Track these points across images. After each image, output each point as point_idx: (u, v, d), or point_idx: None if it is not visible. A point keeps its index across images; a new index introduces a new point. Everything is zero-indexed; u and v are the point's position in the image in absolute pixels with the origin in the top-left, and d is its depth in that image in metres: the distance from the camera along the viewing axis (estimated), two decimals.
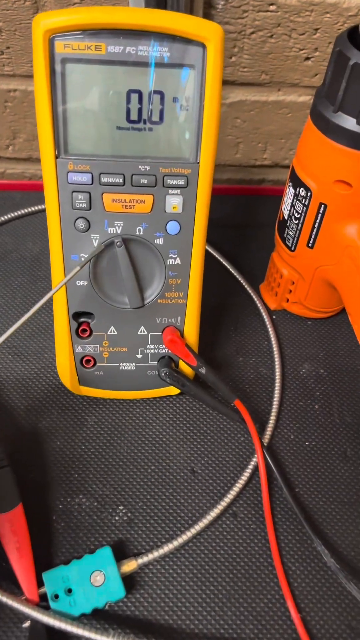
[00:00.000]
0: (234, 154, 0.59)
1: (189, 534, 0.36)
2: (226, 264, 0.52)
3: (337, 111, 0.34)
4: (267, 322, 0.48)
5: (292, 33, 0.49)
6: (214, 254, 0.53)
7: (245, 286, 0.50)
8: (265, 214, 0.56)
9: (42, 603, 0.32)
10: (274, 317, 0.49)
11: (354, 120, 0.34)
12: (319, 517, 0.37)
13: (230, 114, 0.55)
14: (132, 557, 0.34)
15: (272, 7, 0.47)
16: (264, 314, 0.48)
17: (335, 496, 0.38)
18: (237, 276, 0.51)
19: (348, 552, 0.36)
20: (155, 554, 0.34)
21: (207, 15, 0.47)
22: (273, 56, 0.50)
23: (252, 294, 0.50)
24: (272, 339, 0.47)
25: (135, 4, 0.45)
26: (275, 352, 0.46)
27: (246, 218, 0.58)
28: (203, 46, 0.31)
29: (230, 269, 0.52)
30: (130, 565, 0.34)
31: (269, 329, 0.47)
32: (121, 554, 0.35)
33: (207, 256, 0.53)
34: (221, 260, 0.53)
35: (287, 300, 0.47)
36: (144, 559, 0.34)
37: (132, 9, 0.31)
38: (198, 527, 0.36)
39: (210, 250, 0.53)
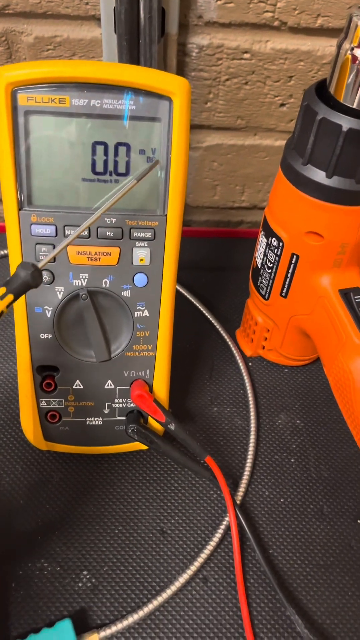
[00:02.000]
0: (212, 196, 0.59)
1: (155, 602, 0.34)
2: (201, 308, 0.51)
3: (306, 164, 0.34)
4: (243, 370, 0.47)
5: (267, 80, 0.49)
6: (189, 297, 0.52)
7: (221, 331, 0.49)
8: (243, 256, 0.56)
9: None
10: (249, 364, 0.47)
11: (323, 173, 0.33)
12: (293, 581, 0.36)
13: (207, 157, 0.55)
14: (95, 629, 0.32)
15: (246, 55, 0.47)
16: (239, 360, 0.47)
17: (310, 558, 0.37)
18: (213, 321, 0.50)
19: (323, 620, 0.34)
20: (119, 625, 0.32)
21: (181, 63, 0.47)
22: (248, 102, 0.50)
23: (227, 339, 0.49)
24: (248, 387, 0.45)
25: (109, 51, 0.45)
26: (250, 402, 0.44)
27: (223, 261, 0.57)
28: (169, 100, 0.31)
29: (206, 314, 0.51)
30: (91, 639, 0.32)
31: (245, 377, 0.46)
32: (83, 625, 0.33)
33: (182, 300, 0.52)
34: (196, 304, 0.52)
35: (263, 348, 0.46)
36: (107, 632, 0.32)
37: (97, 63, 0.31)
38: (166, 595, 0.34)
39: (185, 293, 0.52)
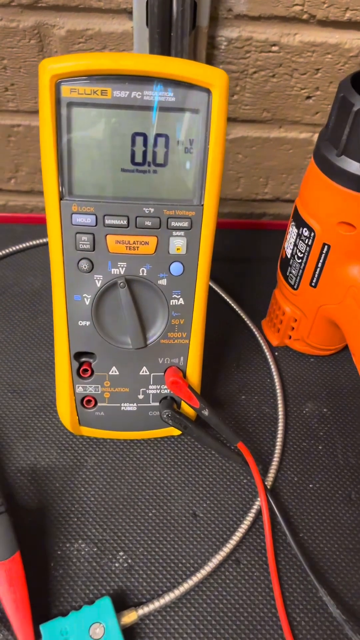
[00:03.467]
0: (235, 188, 0.59)
1: (190, 582, 0.35)
2: (227, 299, 0.52)
3: (340, 155, 0.35)
4: (270, 359, 0.47)
5: (294, 73, 0.49)
6: (216, 288, 0.53)
7: (247, 322, 0.50)
8: (266, 248, 0.56)
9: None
10: (276, 353, 0.48)
11: (357, 164, 0.34)
12: (323, 564, 0.36)
13: (231, 150, 0.55)
14: (132, 607, 0.33)
15: (274, 48, 0.48)
16: (266, 350, 0.48)
17: (340, 542, 0.37)
18: (239, 311, 0.51)
19: (354, 602, 0.35)
20: (156, 604, 0.33)
21: (210, 56, 0.48)
22: (275, 95, 0.51)
23: (254, 329, 0.49)
24: (275, 376, 0.46)
25: (140, 44, 0.45)
26: (277, 391, 0.45)
27: (247, 252, 0.58)
28: (208, 91, 0.31)
29: (232, 304, 0.52)
30: (130, 617, 0.33)
31: (272, 366, 0.47)
32: (121, 603, 0.34)
33: (209, 291, 0.53)
34: (222, 295, 0.52)
35: (290, 337, 0.47)
36: (145, 610, 0.33)
37: (138, 56, 0.32)
38: (200, 575, 0.35)
39: (211, 285, 0.53)
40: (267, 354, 0.48)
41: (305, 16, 0.46)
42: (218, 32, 0.47)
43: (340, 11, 0.45)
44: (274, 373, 0.46)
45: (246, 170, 0.57)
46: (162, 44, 0.43)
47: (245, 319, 0.50)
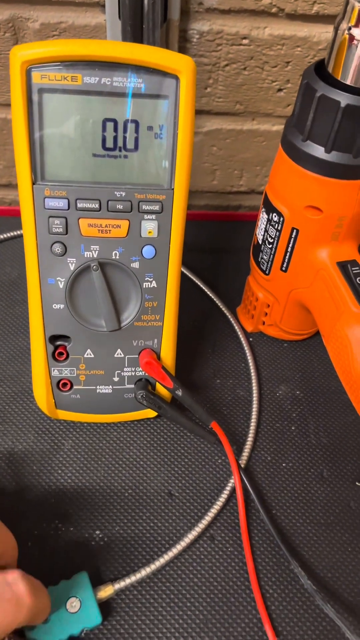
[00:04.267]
0: (211, 181, 0.60)
1: (166, 557, 0.35)
2: (204, 288, 0.53)
3: (306, 140, 0.36)
4: (244, 345, 0.48)
5: (265, 66, 0.51)
6: (192, 277, 0.54)
7: (223, 309, 0.51)
8: (242, 238, 0.57)
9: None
10: (250, 339, 0.49)
11: (322, 149, 0.35)
12: (295, 538, 0.37)
13: (206, 142, 0.56)
14: (109, 582, 0.34)
15: (244, 41, 0.49)
16: (241, 336, 0.49)
17: (312, 518, 0.38)
18: (215, 299, 0.52)
19: (325, 574, 0.36)
20: (132, 578, 0.34)
21: (182, 49, 0.49)
22: (247, 87, 0.52)
23: (229, 316, 0.50)
24: (249, 361, 0.47)
25: (113, 36, 0.46)
26: (252, 374, 0.46)
27: (223, 243, 0.59)
28: (176, 78, 0.32)
29: (208, 292, 0.53)
30: (106, 591, 0.33)
31: (246, 351, 0.48)
32: (98, 579, 0.35)
33: (185, 280, 0.54)
34: (199, 283, 0.53)
35: (264, 323, 0.48)
36: (121, 584, 0.34)
37: (108, 42, 0.33)
38: (175, 551, 0.36)
39: (188, 274, 0.54)
40: (242, 339, 0.49)
41: (274, 10, 0.47)
42: (190, 25, 0.48)
43: (308, 5, 0.47)
44: (249, 357, 0.47)
45: (221, 162, 0.58)
46: (134, 37, 0.44)
47: (221, 307, 0.51)
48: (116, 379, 0.39)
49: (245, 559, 0.36)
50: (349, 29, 0.32)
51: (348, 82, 0.33)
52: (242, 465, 0.40)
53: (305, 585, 0.35)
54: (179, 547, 0.36)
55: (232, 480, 0.39)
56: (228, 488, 0.39)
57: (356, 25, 0.32)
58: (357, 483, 0.40)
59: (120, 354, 0.38)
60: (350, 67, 0.33)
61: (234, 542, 0.37)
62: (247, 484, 0.38)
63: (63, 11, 0.47)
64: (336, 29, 0.33)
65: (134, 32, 0.44)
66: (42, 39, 0.48)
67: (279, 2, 0.46)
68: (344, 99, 0.33)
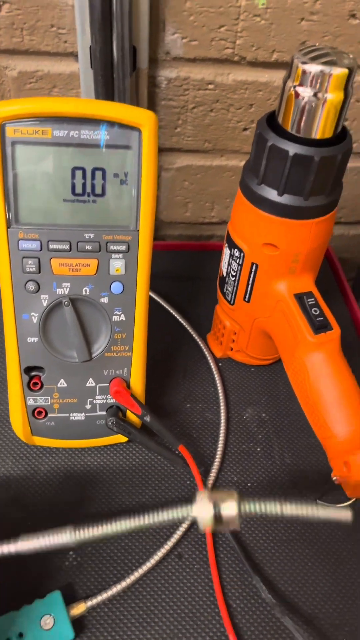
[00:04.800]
0: (184, 213, 0.64)
1: (136, 574, 0.37)
2: (176, 315, 0.56)
3: (260, 184, 0.39)
4: (214, 369, 0.51)
5: (230, 108, 0.54)
6: (165, 305, 0.56)
7: (194, 335, 0.54)
8: (213, 267, 0.60)
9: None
10: (220, 364, 0.52)
11: (275, 192, 0.38)
12: (259, 554, 0.40)
13: (178, 177, 0.60)
14: (82, 600, 0.36)
15: (210, 86, 0.52)
16: (210, 361, 0.52)
17: (274, 534, 0.41)
18: (186, 326, 0.55)
19: (286, 588, 0.38)
20: (104, 595, 0.36)
21: (152, 93, 0.52)
22: (214, 127, 0.56)
23: (200, 342, 0.53)
24: (218, 385, 0.50)
25: (86, 84, 0.49)
26: (220, 398, 0.49)
27: (196, 271, 0.62)
28: (139, 130, 0.35)
29: (180, 319, 0.55)
30: (79, 608, 0.35)
31: (215, 376, 0.50)
32: (71, 597, 0.36)
33: (158, 307, 0.57)
34: (171, 311, 0.56)
35: (232, 349, 0.51)
36: (93, 602, 0.36)
37: (75, 100, 0.36)
38: (145, 568, 0.38)
39: (161, 301, 0.57)
40: (212, 364, 0.51)
41: (236, 58, 0.51)
42: (158, 72, 0.51)
43: (267, 53, 0.50)
44: (218, 382, 0.50)
45: (193, 195, 0.62)
46: (106, 84, 0.48)
47: (192, 333, 0.54)
48: (88, 406, 0.41)
49: (211, 575, 0.38)
50: (294, 86, 0.35)
51: (296, 133, 0.36)
52: (209, 486, 0.43)
53: (266, 598, 0.37)
54: (148, 565, 0.38)
55: None
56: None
57: (300, 84, 0.35)
58: (317, 501, 0.42)
59: (92, 383, 0.41)
60: (297, 119, 0.36)
61: (201, 560, 0.39)
62: None
63: (39, 60, 0.50)
64: (284, 85, 0.36)
65: (105, 80, 0.47)
66: (20, 86, 0.51)
67: (241, 51, 0.50)
68: (292, 148, 0.36)
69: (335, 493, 0.40)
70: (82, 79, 0.49)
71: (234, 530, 0.37)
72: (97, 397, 0.41)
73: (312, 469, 0.45)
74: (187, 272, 0.62)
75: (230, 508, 0.28)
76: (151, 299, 0.56)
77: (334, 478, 0.39)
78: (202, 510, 0.28)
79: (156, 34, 0.48)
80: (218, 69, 0.51)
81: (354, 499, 0.40)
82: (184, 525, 0.40)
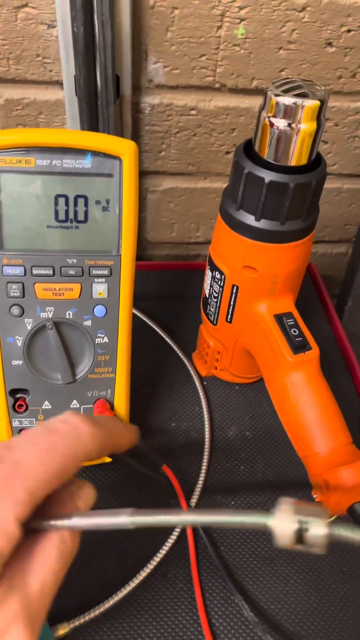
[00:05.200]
0: (170, 233, 0.65)
1: (120, 594, 0.38)
2: (162, 334, 0.57)
3: (239, 209, 0.40)
4: (199, 388, 0.52)
5: (212, 132, 0.56)
6: (151, 324, 0.57)
7: (179, 354, 0.55)
8: (199, 286, 0.61)
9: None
10: (205, 383, 0.53)
11: (252, 217, 0.39)
12: (242, 572, 0.40)
13: (163, 199, 0.61)
14: (66, 621, 0.36)
15: (192, 112, 0.54)
16: (196, 380, 0.53)
17: (257, 552, 0.41)
18: (172, 345, 0.56)
19: (268, 606, 0.39)
20: (87, 617, 0.37)
21: (136, 119, 0.54)
22: (197, 151, 0.57)
23: (185, 361, 0.54)
24: (203, 404, 0.51)
25: (71, 111, 0.51)
26: (205, 417, 0.50)
27: (182, 291, 0.63)
28: (119, 159, 0.37)
29: (166, 339, 0.56)
30: (63, 629, 0.36)
31: (201, 395, 0.51)
32: (56, 618, 0.37)
33: (145, 327, 0.58)
34: (158, 330, 0.57)
35: (216, 368, 0.52)
36: (76, 623, 0.36)
37: (57, 131, 0.37)
38: (129, 587, 0.38)
39: (147, 321, 0.57)
40: (197, 383, 0.52)
41: (217, 85, 0.52)
42: (142, 99, 0.53)
43: (247, 80, 0.52)
44: (203, 401, 0.51)
45: (178, 217, 0.63)
46: (90, 112, 0.49)
47: (178, 352, 0.55)
48: None
49: (194, 594, 0.39)
50: (269, 117, 0.37)
51: (271, 160, 0.38)
52: (193, 504, 0.43)
53: (248, 617, 0.37)
54: (132, 585, 0.38)
55: None
56: (179, 527, 0.42)
57: (274, 115, 0.36)
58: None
59: (76, 404, 0.41)
60: (272, 148, 0.37)
61: (184, 578, 0.40)
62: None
63: (26, 88, 0.51)
64: (259, 116, 0.38)
65: (90, 108, 0.49)
66: (6, 113, 0.52)
67: (221, 78, 0.52)
68: (267, 175, 0.37)
69: None
70: (67, 106, 0.50)
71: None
72: None
73: (294, 485, 0.45)
74: (174, 291, 0.63)
75: (318, 528, 0.23)
76: (138, 318, 0.58)
77: (315, 496, 0.39)
78: (283, 523, 0.23)
79: (139, 62, 0.50)
80: (200, 96, 0.53)
81: (334, 516, 0.40)
82: (168, 544, 0.41)
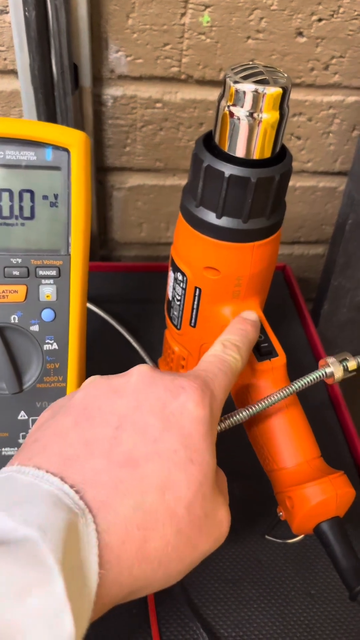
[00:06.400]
0: (139, 233, 0.62)
1: None
2: (129, 338, 0.54)
3: (199, 206, 0.37)
4: None
5: (180, 126, 0.53)
6: (118, 327, 0.54)
7: (146, 359, 0.52)
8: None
9: None
10: None
11: (213, 214, 0.37)
12: (202, 596, 0.37)
13: (131, 197, 0.58)
14: None
15: (158, 105, 0.51)
16: None
17: (220, 574, 0.39)
18: (139, 350, 0.53)
19: (229, 633, 0.36)
20: None
21: (99, 112, 0.51)
22: (165, 146, 0.54)
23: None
24: None
25: (27, 102, 0.48)
26: None
27: (150, 293, 0.60)
28: (67, 151, 0.34)
29: (133, 343, 0.53)
30: None
31: None
32: None
33: (111, 330, 0.55)
34: (124, 333, 0.54)
35: None
36: None
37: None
38: None
39: (114, 323, 0.55)
40: None
41: (183, 76, 0.50)
42: (103, 90, 0.50)
43: (215, 72, 0.49)
44: None
45: (147, 216, 0.60)
46: (47, 103, 0.46)
47: (145, 357, 0.52)
48: (21, 440, 0.39)
49: (149, 620, 0.36)
50: (228, 106, 0.34)
51: (231, 153, 0.35)
52: None
53: None
54: None
55: None
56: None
57: (234, 104, 0.34)
58: (266, 536, 0.40)
59: (24, 416, 0.38)
60: (232, 139, 0.35)
61: (138, 602, 0.37)
62: None
63: None
64: (218, 105, 0.35)
65: (46, 98, 0.46)
66: None
67: (187, 69, 0.49)
68: (228, 169, 0.35)
69: (286, 527, 0.38)
70: (23, 97, 0.47)
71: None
72: (30, 430, 0.39)
73: (262, 501, 0.43)
74: (142, 294, 0.60)
75: (352, 361, 0.35)
76: (103, 321, 0.55)
77: (280, 513, 0.37)
78: (335, 367, 0.35)
79: (99, 52, 0.47)
80: (165, 87, 0.50)
81: (301, 535, 0.38)
82: None
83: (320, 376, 0.35)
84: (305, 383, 0.35)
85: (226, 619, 0.37)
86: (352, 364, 0.35)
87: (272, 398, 0.34)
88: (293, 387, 0.34)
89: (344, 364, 0.35)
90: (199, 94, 0.51)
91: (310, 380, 0.35)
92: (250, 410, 0.34)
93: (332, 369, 0.35)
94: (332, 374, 0.35)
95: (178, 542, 0.25)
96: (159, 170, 0.56)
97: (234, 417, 0.34)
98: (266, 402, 0.34)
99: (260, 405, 0.34)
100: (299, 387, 0.35)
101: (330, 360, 0.35)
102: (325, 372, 0.35)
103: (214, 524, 0.27)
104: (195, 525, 0.26)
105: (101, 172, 0.55)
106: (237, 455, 0.45)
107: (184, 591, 0.37)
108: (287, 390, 0.34)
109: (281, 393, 0.34)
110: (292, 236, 0.65)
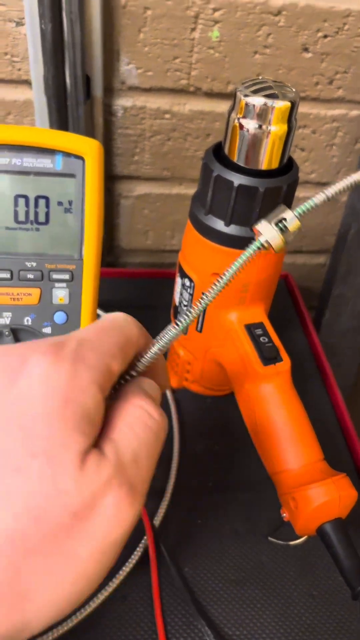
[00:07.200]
0: (145, 241, 0.63)
1: (75, 619, 0.36)
2: None
3: (208, 214, 0.39)
4: (170, 400, 0.50)
5: (187, 137, 0.54)
6: None
7: None
8: (172, 295, 0.60)
9: None
10: (176, 394, 0.51)
11: (222, 222, 0.38)
12: (206, 596, 0.38)
13: (137, 205, 0.59)
14: None
15: (166, 116, 0.52)
16: (167, 391, 0.51)
17: (223, 575, 0.39)
18: None
19: (233, 632, 0.37)
20: (45, 638, 0.34)
21: (109, 122, 0.52)
22: (172, 156, 0.56)
23: None
24: (173, 417, 0.49)
25: (40, 111, 0.49)
26: (175, 431, 0.47)
27: (156, 300, 0.61)
28: (82, 159, 0.35)
29: None
30: None
31: (171, 407, 0.49)
32: None
33: None
34: None
35: (187, 379, 0.50)
36: None
37: (18, 128, 0.35)
38: (86, 611, 0.36)
39: None
40: (168, 395, 0.50)
41: (192, 89, 0.51)
42: (114, 101, 0.51)
43: (222, 84, 0.51)
44: (173, 414, 0.49)
45: (153, 224, 0.61)
46: (59, 112, 0.47)
47: None
48: None
49: (155, 619, 0.37)
50: (238, 119, 0.35)
51: (241, 163, 0.36)
52: (157, 524, 0.41)
53: None
54: (89, 608, 0.36)
55: (145, 539, 0.40)
56: (141, 546, 0.39)
57: (244, 117, 0.35)
58: (269, 538, 0.41)
59: None
60: (241, 150, 0.36)
61: (145, 602, 0.37)
62: (160, 543, 0.39)
63: None
64: (228, 117, 0.36)
65: (59, 108, 0.47)
66: None
67: (196, 82, 0.50)
68: (237, 179, 0.36)
69: (288, 530, 0.39)
70: (36, 106, 0.49)
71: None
72: None
73: (264, 503, 0.43)
74: (148, 300, 0.61)
75: (289, 216, 0.26)
76: None
77: (283, 514, 0.38)
78: (268, 232, 0.26)
79: (110, 63, 0.48)
80: (174, 99, 0.52)
81: (305, 537, 0.39)
82: (129, 566, 0.38)
83: (254, 252, 0.27)
84: (240, 264, 0.28)
85: (230, 618, 0.37)
86: (292, 224, 0.26)
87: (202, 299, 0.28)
88: (224, 278, 0.28)
89: (281, 225, 0.26)
90: (206, 105, 0.52)
91: (246, 259, 0.27)
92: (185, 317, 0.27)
93: (266, 236, 0.27)
94: (268, 244, 0.27)
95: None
96: (166, 179, 0.58)
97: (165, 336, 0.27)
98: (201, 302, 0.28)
99: (197, 307, 0.28)
100: (232, 273, 0.28)
101: (261, 226, 0.26)
102: (262, 243, 0.27)
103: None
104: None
105: (109, 180, 0.57)
106: (241, 461, 0.46)
107: (189, 591, 0.38)
108: (218, 283, 0.29)
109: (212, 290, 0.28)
110: (294, 245, 0.66)
